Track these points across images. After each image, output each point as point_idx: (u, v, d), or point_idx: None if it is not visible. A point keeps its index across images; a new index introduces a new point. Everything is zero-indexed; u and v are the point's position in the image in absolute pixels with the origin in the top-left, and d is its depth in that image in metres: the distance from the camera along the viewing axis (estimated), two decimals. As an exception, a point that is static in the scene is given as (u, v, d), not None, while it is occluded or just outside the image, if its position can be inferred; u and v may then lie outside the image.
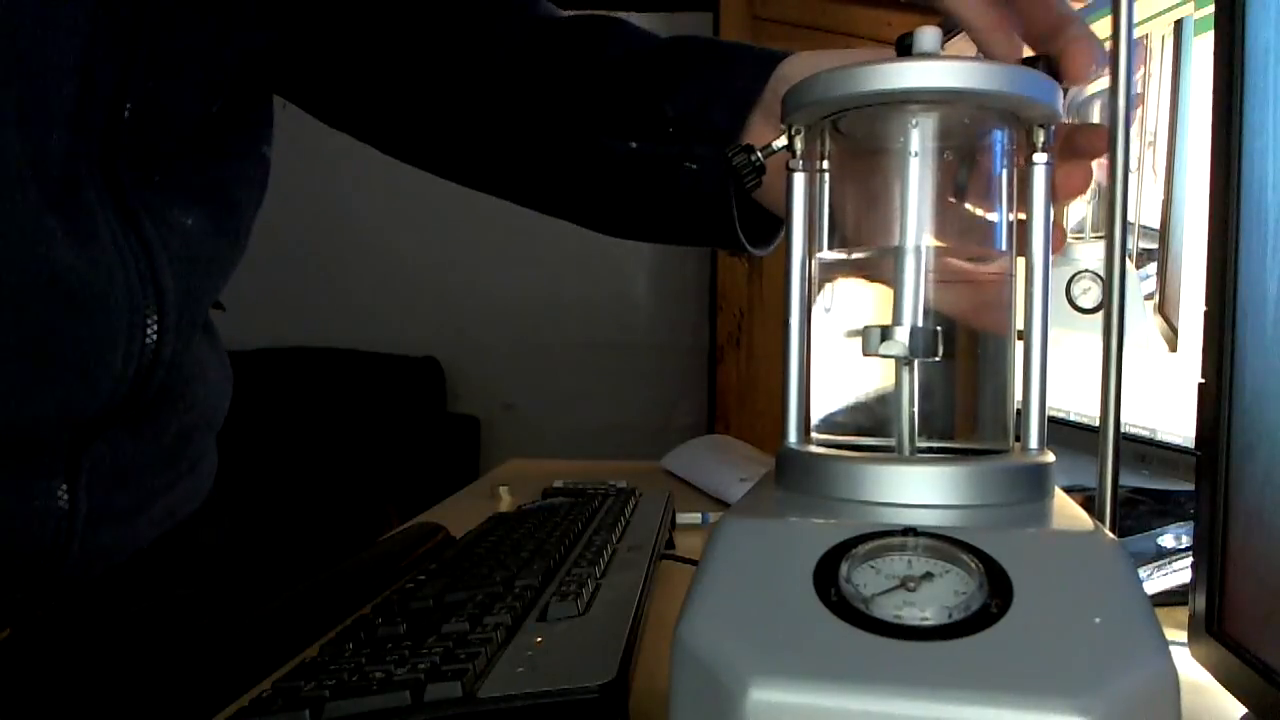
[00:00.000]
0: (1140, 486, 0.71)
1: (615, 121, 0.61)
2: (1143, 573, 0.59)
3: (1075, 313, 0.73)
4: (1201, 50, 0.60)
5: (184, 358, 0.61)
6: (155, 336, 0.54)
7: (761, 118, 0.58)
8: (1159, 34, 0.64)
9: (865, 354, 0.34)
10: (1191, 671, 0.41)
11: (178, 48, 0.55)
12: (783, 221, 0.62)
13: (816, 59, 0.57)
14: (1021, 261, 0.38)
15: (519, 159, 0.66)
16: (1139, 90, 0.66)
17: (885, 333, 0.33)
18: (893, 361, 0.35)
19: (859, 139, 0.39)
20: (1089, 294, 0.73)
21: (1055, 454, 0.36)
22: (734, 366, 2.69)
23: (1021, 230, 0.38)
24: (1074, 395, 0.74)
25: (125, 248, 0.53)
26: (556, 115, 0.63)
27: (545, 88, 0.63)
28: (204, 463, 0.70)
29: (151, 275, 0.54)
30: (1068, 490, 0.36)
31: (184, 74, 0.56)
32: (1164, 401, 0.63)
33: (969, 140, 0.38)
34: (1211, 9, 0.53)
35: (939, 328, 0.34)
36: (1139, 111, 0.66)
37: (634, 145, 0.60)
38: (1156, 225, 0.64)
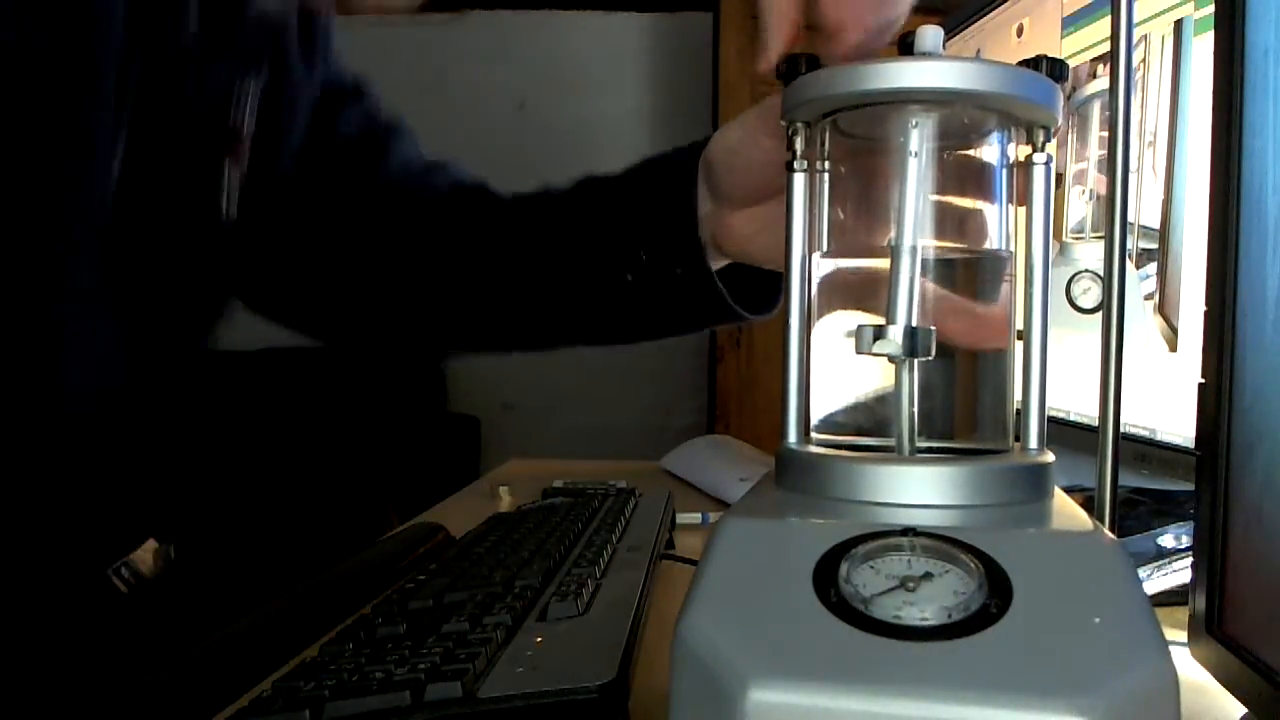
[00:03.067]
0: (1140, 486, 0.71)
1: (605, 264, 0.67)
2: (1143, 573, 0.59)
3: (1075, 313, 0.73)
4: (1201, 50, 0.60)
5: None
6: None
7: (710, 235, 0.62)
8: (1159, 34, 0.64)
9: (858, 353, 0.34)
10: (1191, 671, 0.41)
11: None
12: (779, 280, 0.66)
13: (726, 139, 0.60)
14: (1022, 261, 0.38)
15: (533, 318, 0.73)
16: (1138, 73, 0.66)
17: (879, 332, 0.33)
18: (892, 361, 0.35)
19: (859, 138, 0.39)
20: (1089, 294, 0.73)
21: (1055, 454, 0.36)
22: (734, 366, 2.68)
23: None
24: (1074, 395, 0.74)
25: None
26: (556, 275, 0.69)
27: (540, 262, 0.70)
28: None
29: None
30: (1068, 490, 0.36)
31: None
32: (1164, 401, 0.62)
33: (968, 140, 0.38)
34: (1211, 9, 0.53)
35: (934, 327, 0.34)
36: (1138, 103, 0.66)
37: (629, 278, 0.65)
38: (1156, 225, 0.64)
